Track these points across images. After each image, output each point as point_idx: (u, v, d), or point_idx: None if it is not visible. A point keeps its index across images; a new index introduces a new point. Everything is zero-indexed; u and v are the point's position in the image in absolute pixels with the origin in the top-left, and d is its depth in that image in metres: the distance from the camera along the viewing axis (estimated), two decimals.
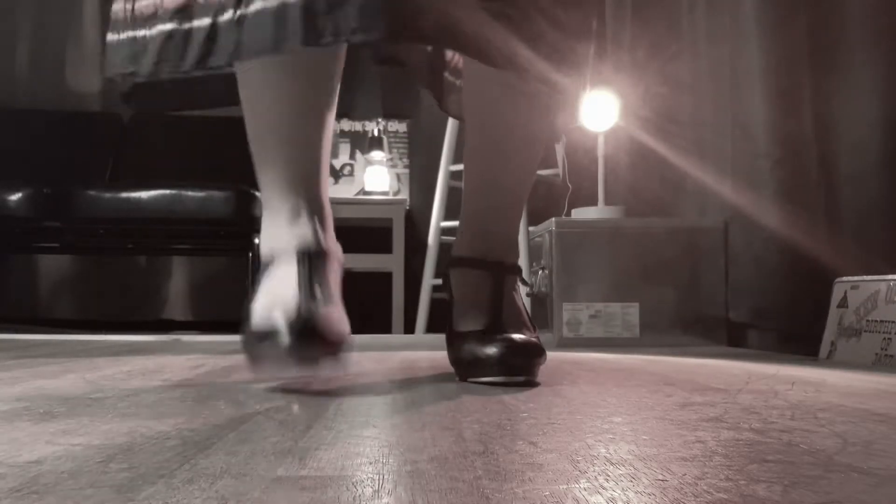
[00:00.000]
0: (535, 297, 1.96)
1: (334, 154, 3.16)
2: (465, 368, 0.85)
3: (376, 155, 3.11)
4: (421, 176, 3.09)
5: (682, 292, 1.74)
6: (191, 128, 3.03)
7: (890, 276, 1.25)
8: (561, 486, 0.38)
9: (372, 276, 2.69)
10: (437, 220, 2.46)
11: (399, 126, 3.21)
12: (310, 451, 0.46)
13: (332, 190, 3.15)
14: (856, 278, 1.33)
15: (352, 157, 3.18)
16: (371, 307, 2.63)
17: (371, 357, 1.20)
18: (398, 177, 3.21)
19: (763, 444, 0.49)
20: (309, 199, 0.81)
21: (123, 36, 0.83)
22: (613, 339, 1.71)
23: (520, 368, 0.82)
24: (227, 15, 0.72)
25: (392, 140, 3.20)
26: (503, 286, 0.88)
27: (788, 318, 1.57)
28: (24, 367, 1.00)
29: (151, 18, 0.79)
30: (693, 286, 1.75)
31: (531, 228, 2.13)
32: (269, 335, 0.71)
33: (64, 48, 3.16)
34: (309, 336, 0.70)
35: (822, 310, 1.40)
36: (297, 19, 0.69)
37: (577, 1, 0.89)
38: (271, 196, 0.82)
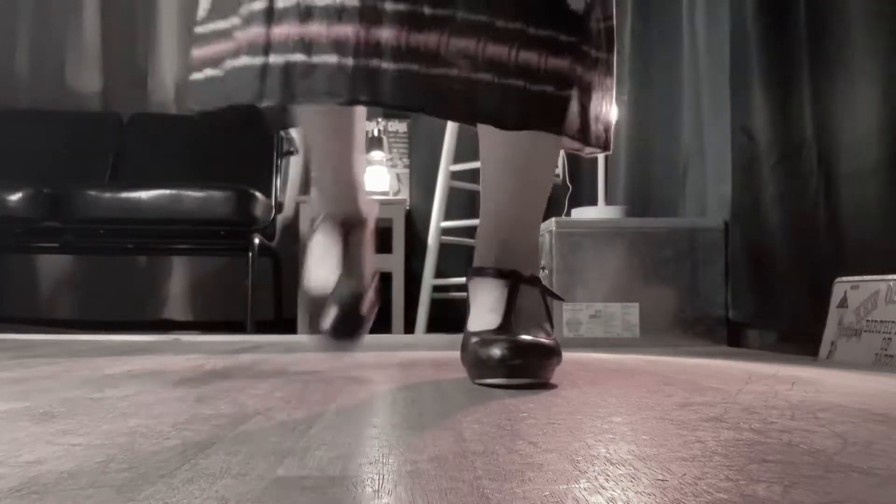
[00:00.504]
0: None
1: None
2: (471, 370, 0.85)
3: (376, 155, 3.11)
4: (421, 176, 3.09)
5: (682, 292, 1.74)
6: (191, 128, 3.03)
7: (890, 276, 1.25)
8: (561, 486, 0.38)
9: None
10: (437, 220, 2.46)
11: (399, 126, 3.21)
12: (310, 451, 0.46)
13: None
14: (856, 278, 1.33)
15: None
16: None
17: (371, 357, 1.20)
18: (398, 177, 3.21)
19: (763, 444, 0.49)
20: (347, 180, 1.06)
21: (201, 76, 0.94)
22: (613, 339, 1.71)
23: (522, 370, 0.80)
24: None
25: (392, 140, 3.20)
26: (517, 292, 0.88)
27: (788, 318, 1.57)
28: (24, 367, 1.00)
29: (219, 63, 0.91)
30: (693, 286, 1.75)
31: None
32: (319, 306, 0.99)
33: (64, 48, 3.15)
34: (350, 314, 1.00)
35: (822, 310, 1.40)
36: (275, 81, 0.81)
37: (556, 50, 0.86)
38: (322, 177, 1.08)
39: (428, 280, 2.44)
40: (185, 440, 0.49)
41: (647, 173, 2.19)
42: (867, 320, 1.27)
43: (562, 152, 2.49)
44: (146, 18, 3.19)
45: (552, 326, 0.91)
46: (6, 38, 3.13)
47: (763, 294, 1.66)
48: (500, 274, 0.89)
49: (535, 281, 0.91)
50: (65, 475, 0.39)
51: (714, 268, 1.76)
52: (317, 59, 0.80)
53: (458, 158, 2.50)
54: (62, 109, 3.05)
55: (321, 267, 1.03)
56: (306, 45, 0.80)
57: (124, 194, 2.51)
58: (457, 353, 0.89)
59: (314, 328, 1.01)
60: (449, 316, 2.37)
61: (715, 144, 1.87)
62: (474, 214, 2.87)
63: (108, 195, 2.51)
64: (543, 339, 0.84)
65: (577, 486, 0.38)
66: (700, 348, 1.61)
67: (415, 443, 0.49)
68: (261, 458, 0.44)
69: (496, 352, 0.81)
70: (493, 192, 0.96)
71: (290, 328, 2.77)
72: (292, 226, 3.00)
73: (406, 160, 3.20)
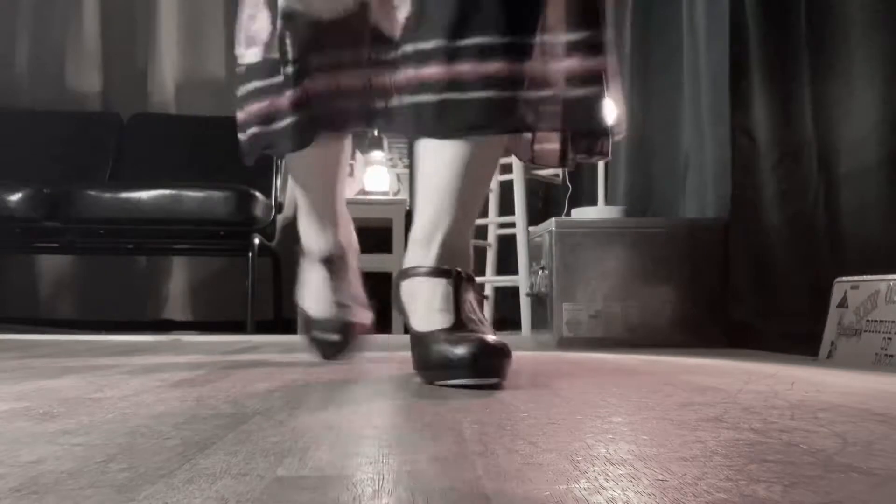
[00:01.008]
0: (536, 297, 1.96)
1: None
2: (435, 371, 0.83)
3: (376, 155, 3.11)
4: None
5: (682, 292, 1.74)
6: (191, 128, 3.03)
7: (890, 276, 1.25)
8: (561, 486, 0.38)
9: (372, 276, 2.69)
10: None
11: None
12: (310, 451, 0.46)
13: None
14: (856, 278, 1.33)
15: (352, 157, 3.18)
16: (371, 307, 2.63)
17: (371, 357, 1.20)
18: (398, 177, 3.21)
19: (763, 444, 0.49)
20: (330, 217, 1.14)
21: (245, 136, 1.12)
22: (613, 339, 1.71)
23: (491, 370, 0.80)
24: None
25: (392, 140, 3.20)
26: (462, 291, 0.89)
27: (788, 318, 1.57)
28: (25, 367, 1.00)
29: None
30: (693, 286, 1.75)
31: (531, 228, 2.13)
32: (317, 329, 1.14)
33: (64, 48, 3.15)
34: (340, 341, 1.13)
35: (822, 310, 1.40)
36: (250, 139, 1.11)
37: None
38: (310, 212, 1.14)
39: None
40: (185, 440, 0.49)
41: (647, 173, 2.19)
42: (867, 320, 1.27)
43: None
44: (146, 18, 3.19)
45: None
46: (6, 38, 3.13)
47: (763, 294, 1.66)
48: (442, 273, 0.90)
49: (472, 280, 0.92)
50: (65, 475, 0.39)
51: (714, 268, 1.76)
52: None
53: None
54: (62, 109, 3.05)
55: (311, 296, 1.15)
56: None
57: (124, 194, 2.51)
58: None
59: (309, 345, 1.15)
60: None
61: (715, 144, 1.87)
62: None
63: (108, 195, 2.51)
64: (499, 339, 0.84)
65: (577, 486, 0.38)
66: (700, 348, 1.61)
67: (415, 443, 0.49)
68: (261, 458, 0.44)
69: (463, 351, 0.80)
70: (435, 193, 0.96)
71: (290, 328, 2.76)
72: (292, 226, 3.00)
73: (406, 160, 3.20)
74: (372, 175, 3.08)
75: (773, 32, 1.61)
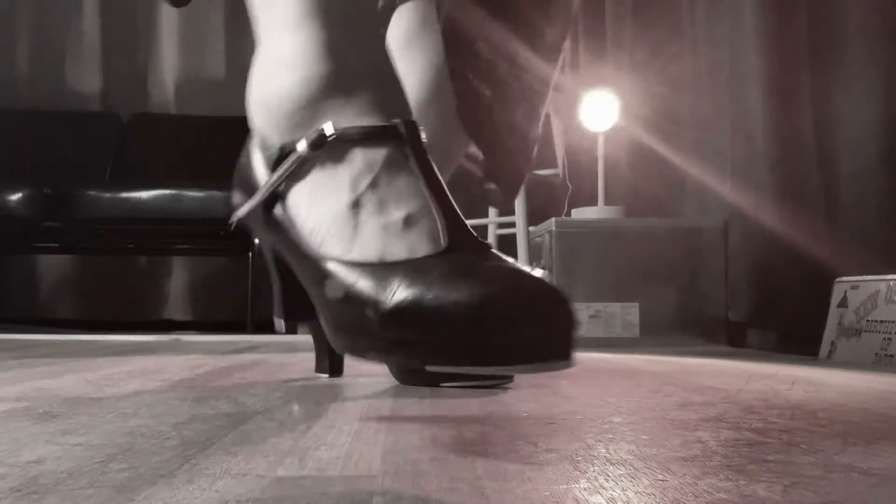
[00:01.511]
0: None
1: None
2: (435, 373, 0.76)
3: None
4: None
5: (682, 292, 1.74)
6: (191, 128, 3.03)
7: (890, 276, 1.25)
8: (561, 486, 0.38)
9: None
10: None
11: None
12: (310, 451, 0.46)
13: None
14: (856, 278, 1.33)
15: None
16: None
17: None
18: None
19: (763, 444, 0.49)
20: (385, 50, 0.58)
21: None
22: (613, 339, 1.71)
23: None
24: None
25: None
26: None
27: (788, 318, 1.57)
28: (25, 367, 1.00)
29: None
30: (693, 286, 1.75)
31: (531, 228, 2.13)
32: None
33: (64, 48, 3.15)
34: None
35: (822, 310, 1.40)
36: None
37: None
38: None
39: None
40: (185, 440, 0.49)
41: (647, 173, 2.19)
42: (867, 320, 1.27)
43: (562, 152, 2.49)
44: (146, 18, 3.19)
45: None
46: (6, 38, 3.13)
47: (763, 294, 1.66)
48: None
49: None
50: (65, 475, 0.39)
51: (714, 268, 1.76)
52: None
53: None
54: (62, 109, 3.05)
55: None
56: None
57: (124, 194, 2.51)
58: None
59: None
60: None
61: (715, 144, 1.87)
62: (474, 214, 2.86)
63: (108, 195, 2.51)
64: None
65: (577, 486, 0.38)
66: (700, 348, 1.61)
67: (415, 443, 0.49)
68: (261, 458, 0.44)
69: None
70: None
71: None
72: None
73: None
74: None
75: (773, 32, 1.61)
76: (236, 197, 0.59)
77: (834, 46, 1.42)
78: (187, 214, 2.47)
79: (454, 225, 0.48)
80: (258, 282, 2.56)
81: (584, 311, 1.73)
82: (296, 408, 0.55)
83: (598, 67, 2.38)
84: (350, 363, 1.08)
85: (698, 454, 0.45)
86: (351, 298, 0.47)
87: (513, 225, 2.33)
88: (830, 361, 1.30)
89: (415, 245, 0.47)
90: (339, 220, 0.50)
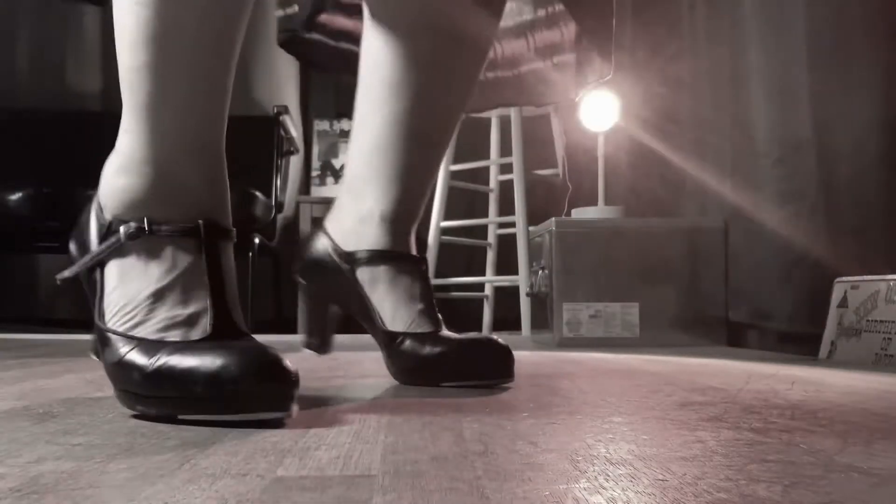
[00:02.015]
0: (536, 297, 1.96)
1: (334, 154, 3.16)
2: (445, 373, 0.80)
3: None
4: None
5: (682, 292, 1.74)
6: None
7: (890, 276, 1.25)
8: (561, 486, 0.38)
9: None
10: (437, 220, 2.46)
11: None
12: (310, 451, 0.46)
13: (332, 190, 3.15)
14: (856, 278, 1.33)
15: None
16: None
17: (371, 357, 1.19)
18: None
19: (763, 444, 0.49)
20: (218, 132, 0.69)
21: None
22: (613, 339, 1.71)
23: (509, 370, 0.81)
24: None
25: None
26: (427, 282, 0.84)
27: (788, 318, 1.57)
28: (24, 366, 1.00)
29: None
30: (693, 286, 1.75)
31: (531, 228, 2.13)
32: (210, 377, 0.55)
33: (64, 48, 3.16)
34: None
35: (822, 310, 1.40)
36: None
37: None
38: (161, 135, 0.64)
39: None
40: (185, 440, 0.49)
41: (647, 173, 2.19)
42: (867, 320, 1.27)
43: (562, 152, 2.48)
44: None
45: None
46: (6, 38, 3.13)
47: (763, 294, 1.66)
48: (420, 263, 0.84)
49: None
50: (65, 475, 0.39)
51: (714, 268, 1.76)
52: None
53: (457, 158, 2.50)
54: (62, 109, 3.05)
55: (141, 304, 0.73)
56: None
57: None
58: None
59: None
60: (449, 316, 2.37)
61: (715, 144, 1.87)
62: (474, 214, 2.86)
63: None
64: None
65: (577, 486, 0.38)
66: (700, 348, 1.61)
67: (415, 443, 0.49)
68: (261, 458, 0.44)
69: (489, 354, 0.80)
70: (418, 165, 0.84)
71: (290, 328, 2.76)
72: (292, 226, 3.00)
73: None
74: None
75: (773, 31, 1.61)
76: (72, 249, 0.69)
77: (834, 46, 1.42)
78: None
79: (220, 318, 0.60)
80: (258, 282, 2.56)
81: (584, 311, 1.73)
82: (296, 408, 0.55)
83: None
84: (348, 362, 1.08)
85: (698, 454, 0.45)
86: (124, 364, 0.58)
87: (513, 225, 2.33)
88: (830, 361, 1.30)
89: (187, 334, 0.59)
90: (135, 303, 0.60)
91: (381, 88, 0.82)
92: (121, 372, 0.58)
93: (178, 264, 0.61)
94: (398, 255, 0.83)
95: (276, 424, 0.54)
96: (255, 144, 2.84)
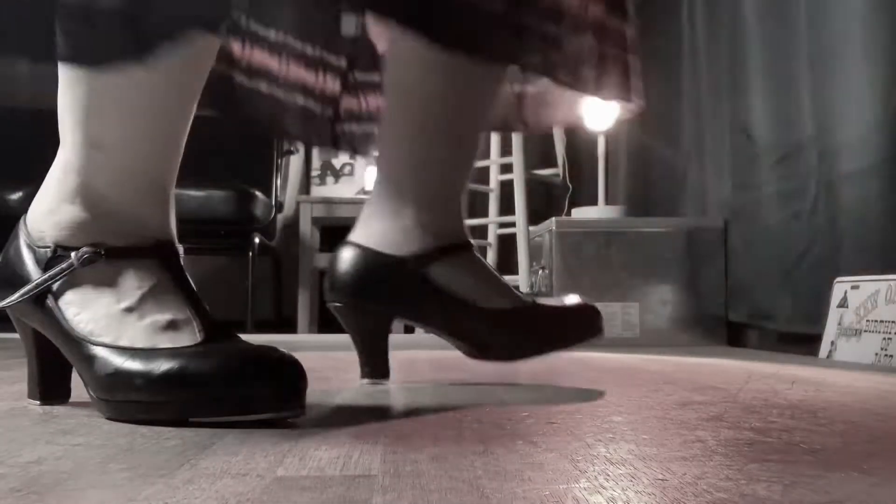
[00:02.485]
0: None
1: (334, 154, 3.16)
2: (557, 338, 0.83)
3: None
4: None
5: (682, 292, 1.74)
6: (191, 127, 3.03)
7: (890, 276, 1.25)
8: (561, 486, 0.38)
9: None
10: None
11: None
12: (310, 451, 0.46)
13: (333, 190, 3.16)
14: (856, 278, 1.33)
15: (352, 156, 3.18)
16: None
17: None
18: None
19: (763, 444, 0.49)
20: (172, 172, 0.67)
21: None
22: (613, 339, 1.71)
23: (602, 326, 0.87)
24: None
25: None
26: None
27: (788, 318, 1.57)
28: (24, 366, 1.00)
29: None
30: (693, 286, 1.75)
31: (531, 228, 2.13)
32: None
33: None
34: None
35: (822, 310, 1.40)
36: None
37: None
38: (144, 162, 0.64)
39: None
40: (185, 440, 0.49)
41: (647, 173, 2.19)
42: (867, 320, 1.27)
43: (562, 152, 2.47)
44: None
45: None
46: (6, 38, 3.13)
47: (763, 294, 1.66)
48: (467, 246, 0.83)
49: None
50: (65, 475, 0.39)
51: (714, 268, 1.76)
52: None
53: None
54: None
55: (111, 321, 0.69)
56: None
57: None
58: (456, 353, 0.86)
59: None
60: None
61: (715, 144, 1.87)
62: (474, 214, 2.86)
63: None
64: None
65: (577, 486, 0.38)
66: (700, 348, 1.61)
67: (415, 443, 0.49)
68: (261, 458, 0.44)
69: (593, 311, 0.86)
70: (453, 165, 0.83)
71: (290, 328, 2.77)
72: (292, 226, 3.00)
73: None
74: (372, 174, 3.08)
75: (773, 32, 1.61)
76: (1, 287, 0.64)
77: (834, 46, 1.42)
78: (187, 214, 2.46)
79: (207, 322, 0.59)
80: (258, 281, 2.56)
81: None
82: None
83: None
84: (349, 363, 1.08)
85: (698, 454, 0.45)
86: (120, 373, 0.56)
87: (513, 225, 2.33)
88: (830, 361, 1.30)
89: (177, 339, 0.57)
90: (110, 319, 0.58)
91: (407, 104, 0.80)
92: (119, 382, 0.56)
93: (143, 283, 0.60)
94: (467, 243, 0.82)
95: (278, 424, 0.54)
96: (255, 144, 2.84)
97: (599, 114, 2.04)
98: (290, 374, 0.55)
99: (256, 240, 2.56)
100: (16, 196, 2.47)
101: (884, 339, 1.22)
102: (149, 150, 0.64)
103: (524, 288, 2.11)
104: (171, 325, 0.58)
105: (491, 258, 2.63)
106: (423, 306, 0.80)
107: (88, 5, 0.58)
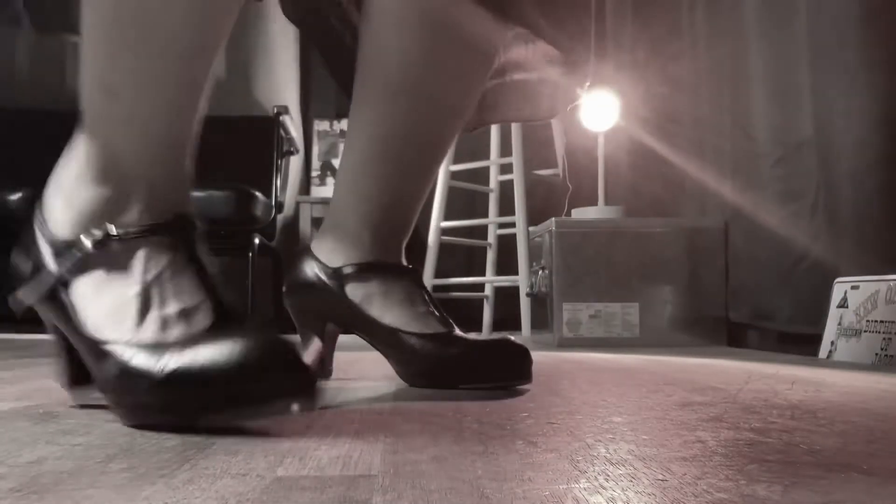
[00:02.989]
0: (535, 297, 1.96)
1: (334, 154, 3.16)
2: (465, 374, 0.79)
3: None
4: None
5: (682, 292, 1.74)
6: None
7: (890, 276, 1.25)
8: (561, 486, 0.38)
9: None
10: (437, 220, 2.47)
11: None
12: (310, 451, 0.46)
13: (332, 190, 3.16)
14: (856, 278, 1.33)
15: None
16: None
17: (371, 357, 1.19)
18: None
19: (763, 444, 0.49)
20: (187, 132, 0.64)
21: None
22: (613, 339, 1.71)
23: (527, 372, 0.80)
24: None
25: None
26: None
27: (788, 318, 1.57)
28: (24, 366, 1.00)
29: None
30: (693, 286, 1.75)
31: (531, 228, 2.13)
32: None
33: (64, 48, 3.16)
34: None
35: (822, 310, 1.40)
36: None
37: None
38: (151, 114, 0.61)
39: (428, 280, 2.44)
40: (185, 440, 0.49)
41: (647, 173, 2.19)
42: (867, 320, 1.27)
43: (562, 152, 2.47)
44: None
45: None
46: (6, 38, 3.13)
47: (763, 294, 1.66)
48: (412, 271, 0.82)
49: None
50: (65, 475, 0.39)
51: (714, 268, 1.76)
52: None
53: (457, 158, 2.50)
54: (62, 109, 3.05)
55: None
56: None
57: None
58: None
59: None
60: (449, 316, 2.36)
61: (715, 144, 1.87)
62: (474, 214, 2.86)
63: None
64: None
65: (577, 486, 0.38)
66: (700, 348, 1.61)
67: (415, 443, 0.49)
68: (261, 457, 0.44)
69: (506, 356, 0.80)
70: (408, 176, 0.82)
71: (290, 328, 2.76)
72: (292, 226, 3.00)
73: None
74: None
75: (774, 31, 1.61)
76: (22, 271, 0.63)
77: (834, 46, 1.42)
78: None
79: (220, 306, 0.55)
80: (258, 282, 2.56)
81: (584, 311, 1.73)
82: (296, 408, 0.55)
83: (598, 67, 2.38)
84: (348, 363, 1.08)
85: (698, 454, 0.45)
86: (126, 373, 0.52)
87: (513, 225, 2.33)
88: (830, 361, 1.30)
89: (186, 328, 0.54)
90: (121, 310, 0.55)
91: (374, 89, 0.80)
92: (127, 384, 0.52)
93: (156, 262, 0.56)
94: (387, 265, 0.81)
95: (279, 423, 0.54)
96: (255, 144, 2.84)
97: (599, 114, 2.04)
98: (300, 364, 0.51)
99: (256, 240, 2.56)
100: (16, 196, 2.47)
101: (884, 339, 1.22)
102: (164, 96, 0.60)
103: (524, 288, 2.11)
104: (184, 314, 0.55)
105: (491, 258, 2.63)
106: (346, 320, 0.81)
107: None
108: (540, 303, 1.91)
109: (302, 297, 0.83)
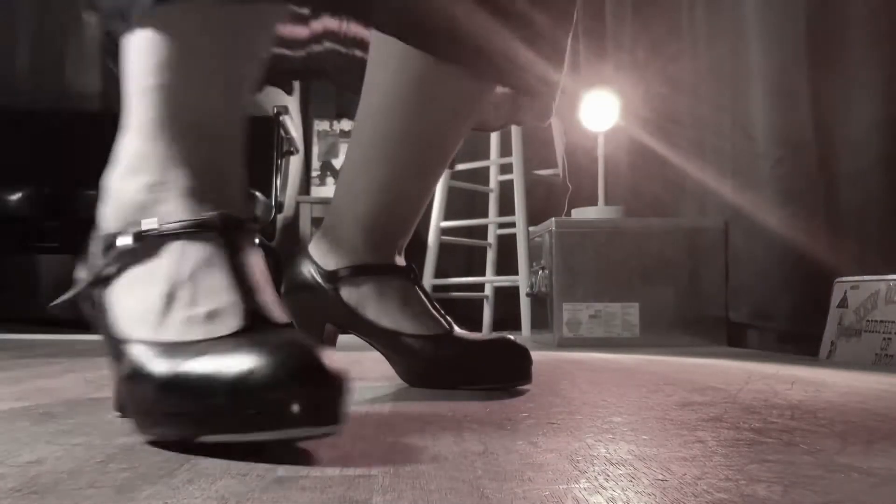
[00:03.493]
0: (535, 297, 1.96)
1: (334, 154, 3.16)
2: (464, 374, 0.79)
3: None
4: None
5: (682, 292, 1.74)
6: None
7: (890, 276, 1.25)
8: (561, 486, 0.38)
9: None
10: (436, 221, 2.47)
11: None
12: (310, 451, 0.46)
13: (332, 190, 3.16)
14: (856, 278, 1.33)
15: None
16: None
17: (371, 357, 1.19)
18: None
19: (763, 444, 0.49)
20: (234, 143, 0.64)
21: None
22: (613, 339, 1.71)
23: (527, 373, 0.80)
24: None
25: None
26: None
27: (788, 318, 1.57)
28: (24, 367, 1.00)
29: None
30: (693, 286, 1.75)
31: (531, 228, 2.13)
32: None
33: (64, 48, 3.16)
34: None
35: (822, 310, 1.40)
36: None
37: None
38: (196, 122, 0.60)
39: (428, 280, 2.44)
40: (185, 440, 0.49)
41: (647, 173, 2.19)
42: (867, 320, 1.27)
43: (562, 152, 2.47)
44: None
45: None
46: (6, 38, 3.13)
47: (763, 294, 1.66)
48: (408, 273, 0.82)
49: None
50: (65, 475, 0.39)
51: (714, 268, 1.76)
52: None
53: (457, 158, 2.50)
54: (62, 109, 3.05)
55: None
56: None
57: None
58: None
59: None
60: (449, 316, 2.36)
61: (715, 144, 1.87)
62: (474, 214, 2.86)
63: None
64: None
65: (577, 486, 0.38)
66: (700, 348, 1.61)
67: (415, 443, 0.49)
68: (261, 457, 0.44)
69: (506, 356, 0.79)
70: (405, 168, 0.81)
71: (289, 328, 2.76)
72: (292, 226, 3.00)
73: None
74: None
75: (773, 32, 1.61)
76: (81, 273, 0.60)
77: (834, 46, 1.42)
78: None
79: (253, 310, 0.51)
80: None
81: (584, 311, 1.73)
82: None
83: (598, 67, 2.38)
84: (348, 363, 1.08)
85: (698, 454, 0.45)
86: (133, 376, 0.49)
87: (513, 225, 2.33)
88: (830, 361, 1.30)
89: (212, 330, 0.49)
90: (148, 309, 0.52)
91: (375, 101, 0.80)
92: (133, 387, 0.49)
93: (190, 259, 0.53)
94: (382, 267, 0.81)
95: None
96: (255, 144, 2.83)
97: (599, 114, 2.04)
98: (320, 378, 0.44)
99: (256, 240, 2.56)
100: (16, 196, 2.47)
101: (883, 339, 1.22)
102: (209, 92, 0.60)
103: (524, 288, 2.11)
104: (211, 315, 0.50)
105: (491, 258, 2.63)
106: (344, 321, 0.81)
107: None
108: (540, 303, 1.91)
109: (300, 298, 0.83)
